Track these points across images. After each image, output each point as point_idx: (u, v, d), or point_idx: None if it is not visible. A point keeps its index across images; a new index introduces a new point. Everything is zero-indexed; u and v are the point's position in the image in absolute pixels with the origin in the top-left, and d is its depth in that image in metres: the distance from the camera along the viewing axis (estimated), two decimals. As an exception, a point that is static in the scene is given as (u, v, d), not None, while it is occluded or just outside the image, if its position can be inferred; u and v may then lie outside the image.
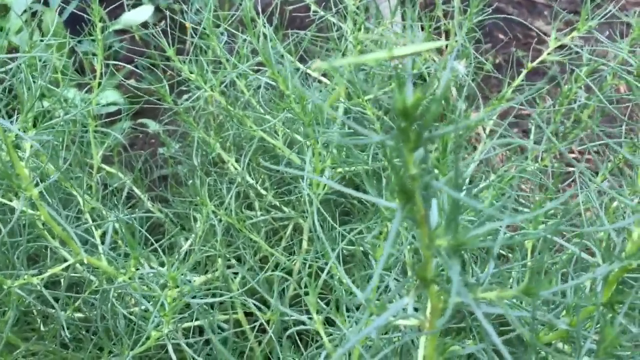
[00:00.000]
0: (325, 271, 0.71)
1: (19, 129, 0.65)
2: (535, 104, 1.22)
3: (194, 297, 0.72)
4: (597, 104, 1.11)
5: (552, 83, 1.08)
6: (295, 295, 1.08)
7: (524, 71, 1.03)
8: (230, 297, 0.89)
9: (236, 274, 1.09)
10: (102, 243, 0.84)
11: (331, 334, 0.65)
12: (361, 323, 0.51)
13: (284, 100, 0.84)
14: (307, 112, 0.83)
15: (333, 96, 0.85)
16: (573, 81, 1.14)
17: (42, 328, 0.94)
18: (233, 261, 1.07)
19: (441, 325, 0.42)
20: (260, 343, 1.06)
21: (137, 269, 0.76)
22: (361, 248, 0.86)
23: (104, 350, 0.87)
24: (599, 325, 0.52)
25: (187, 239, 1.19)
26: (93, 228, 0.87)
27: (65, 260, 0.81)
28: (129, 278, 0.77)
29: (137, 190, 1.31)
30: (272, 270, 1.08)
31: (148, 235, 0.90)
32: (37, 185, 0.73)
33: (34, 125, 0.88)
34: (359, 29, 1.06)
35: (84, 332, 0.88)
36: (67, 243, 0.76)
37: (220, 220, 1.04)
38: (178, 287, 0.67)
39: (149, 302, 0.81)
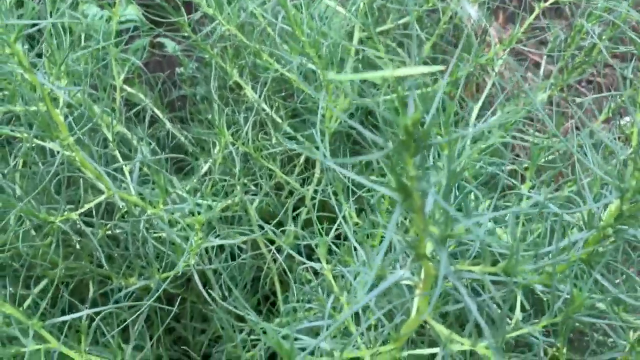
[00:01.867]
0: (338, 220, 0.78)
1: (53, 82, 0.70)
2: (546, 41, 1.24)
3: (217, 236, 0.80)
4: (608, 41, 1.13)
5: (565, 24, 1.09)
6: (308, 219, 1.16)
7: (535, 12, 1.04)
8: (250, 227, 0.98)
9: (255, 195, 1.17)
10: (131, 175, 0.91)
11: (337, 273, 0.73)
12: (364, 283, 0.59)
13: (299, 44, 0.87)
14: (322, 56, 0.87)
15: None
16: (585, 17, 1.15)
17: (77, 247, 1.03)
18: (251, 187, 1.15)
19: (436, 291, 0.49)
20: (275, 261, 1.16)
21: (166, 204, 0.84)
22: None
23: (135, 270, 0.97)
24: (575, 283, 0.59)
25: (206, 161, 1.26)
26: (121, 159, 0.94)
27: (100, 192, 0.89)
28: (158, 210, 0.85)
29: (157, 112, 1.36)
30: (287, 197, 1.16)
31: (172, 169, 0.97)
32: (71, 127, 0.79)
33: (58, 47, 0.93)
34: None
35: (116, 255, 0.98)
36: (99, 180, 0.83)
37: (237, 149, 1.11)
38: (203, 224, 0.75)
39: (175, 229, 0.89)
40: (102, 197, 0.84)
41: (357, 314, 0.65)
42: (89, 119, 0.81)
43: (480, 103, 1.10)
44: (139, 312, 0.86)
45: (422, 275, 0.52)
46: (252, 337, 1.06)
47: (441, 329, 0.52)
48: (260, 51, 1.08)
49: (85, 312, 0.69)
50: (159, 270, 0.89)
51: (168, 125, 1.35)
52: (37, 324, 0.64)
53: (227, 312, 1.06)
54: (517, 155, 1.33)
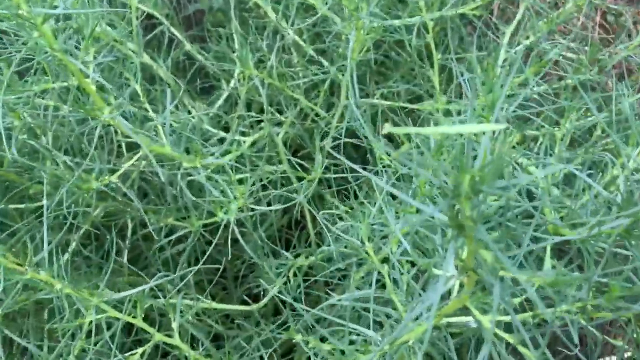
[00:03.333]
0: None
1: (82, 59, 0.69)
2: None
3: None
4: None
5: None
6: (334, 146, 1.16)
7: None
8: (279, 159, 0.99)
9: (279, 125, 1.17)
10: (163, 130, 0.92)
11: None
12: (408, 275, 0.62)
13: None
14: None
15: None
16: None
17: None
18: (277, 115, 1.15)
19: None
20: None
21: (202, 158, 0.85)
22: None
23: (172, 213, 1.00)
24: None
25: (228, 83, 1.25)
26: (152, 114, 0.94)
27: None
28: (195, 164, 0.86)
29: (176, 32, 1.32)
30: (311, 125, 1.16)
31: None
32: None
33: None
34: None
35: (152, 197, 1.01)
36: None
37: (262, 81, 1.09)
38: (244, 194, 0.77)
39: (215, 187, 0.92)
40: (137, 155, 0.85)
41: (395, 281, 0.69)
42: (118, 76, 0.81)
43: (512, 27, 1.06)
44: (183, 253, 0.91)
45: (468, 276, 0.55)
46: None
47: (484, 320, 0.56)
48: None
49: (146, 286, 0.73)
50: (197, 217, 0.92)
51: (188, 46, 1.32)
52: (99, 300, 0.68)
53: (260, 239, 1.11)
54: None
